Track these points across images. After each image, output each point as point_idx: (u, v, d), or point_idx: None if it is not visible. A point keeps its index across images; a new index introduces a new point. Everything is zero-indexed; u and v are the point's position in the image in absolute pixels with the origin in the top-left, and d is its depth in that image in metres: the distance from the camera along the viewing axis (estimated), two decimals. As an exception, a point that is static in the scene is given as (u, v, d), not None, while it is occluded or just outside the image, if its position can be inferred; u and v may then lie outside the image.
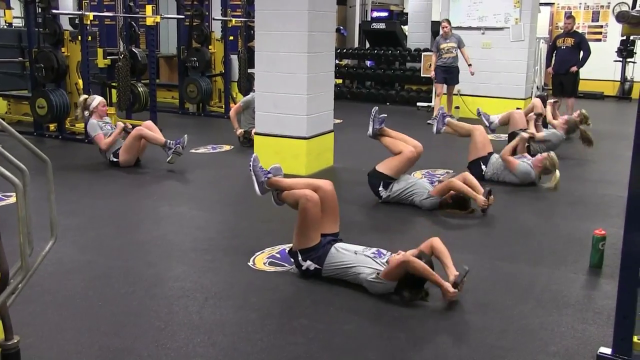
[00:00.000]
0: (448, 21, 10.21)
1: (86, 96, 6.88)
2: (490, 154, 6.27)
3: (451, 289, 3.40)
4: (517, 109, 8.65)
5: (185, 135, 6.48)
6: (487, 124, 7.97)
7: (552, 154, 6.01)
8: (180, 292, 3.53)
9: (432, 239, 3.73)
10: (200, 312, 3.30)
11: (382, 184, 5.37)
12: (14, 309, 2.20)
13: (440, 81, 10.26)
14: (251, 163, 3.92)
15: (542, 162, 5.95)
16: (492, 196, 5.19)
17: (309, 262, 3.68)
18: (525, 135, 6.55)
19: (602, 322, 3.26)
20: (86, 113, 6.68)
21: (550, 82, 11.09)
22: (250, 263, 3.98)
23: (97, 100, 6.72)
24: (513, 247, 4.47)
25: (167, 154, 6.39)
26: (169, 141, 6.39)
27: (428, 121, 9.40)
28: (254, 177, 3.90)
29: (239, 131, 7.73)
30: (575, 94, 10.45)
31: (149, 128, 6.56)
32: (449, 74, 10.18)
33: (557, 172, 5.78)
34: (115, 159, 6.53)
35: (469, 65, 9.95)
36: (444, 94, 10.35)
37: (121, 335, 3.02)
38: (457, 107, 10.71)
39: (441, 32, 10.16)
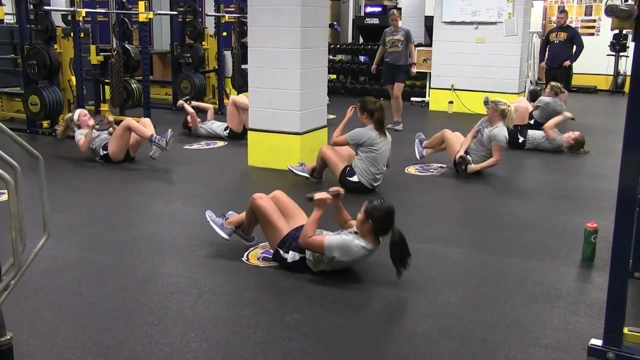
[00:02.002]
0: (397, 11, 9.35)
1: (70, 115, 6.85)
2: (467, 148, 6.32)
3: (321, 196, 3.65)
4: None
5: (170, 130, 6.43)
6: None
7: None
8: (173, 288, 3.53)
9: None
10: (193, 307, 3.30)
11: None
12: (7, 306, 2.20)
13: (387, 81, 9.27)
14: (207, 217, 4.18)
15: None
16: None
17: (292, 253, 3.72)
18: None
19: (593, 314, 3.28)
20: (76, 129, 6.65)
21: (543, 76, 11.12)
22: (244, 258, 3.99)
23: (77, 113, 6.69)
24: (504, 241, 4.49)
25: (151, 147, 6.36)
26: (155, 135, 6.34)
27: (388, 125, 7.89)
28: (214, 227, 4.12)
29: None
30: (569, 88, 10.48)
31: (144, 124, 6.55)
32: (395, 72, 9.03)
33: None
34: (105, 152, 6.51)
35: (413, 64, 9.11)
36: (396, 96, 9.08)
37: (114, 331, 3.03)
38: (451, 102, 10.73)
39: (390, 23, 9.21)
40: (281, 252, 3.77)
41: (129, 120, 6.53)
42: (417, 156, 6.65)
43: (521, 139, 7.49)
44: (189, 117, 8.20)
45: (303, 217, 3.92)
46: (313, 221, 3.64)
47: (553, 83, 8.92)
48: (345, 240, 3.56)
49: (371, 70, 9.74)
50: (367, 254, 3.59)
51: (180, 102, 8.55)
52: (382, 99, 11.97)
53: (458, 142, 6.37)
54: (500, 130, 6.11)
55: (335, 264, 3.63)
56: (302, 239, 3.60)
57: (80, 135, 6.54)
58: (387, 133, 5.59)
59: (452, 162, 6.39)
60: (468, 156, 6.18)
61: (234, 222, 4.11)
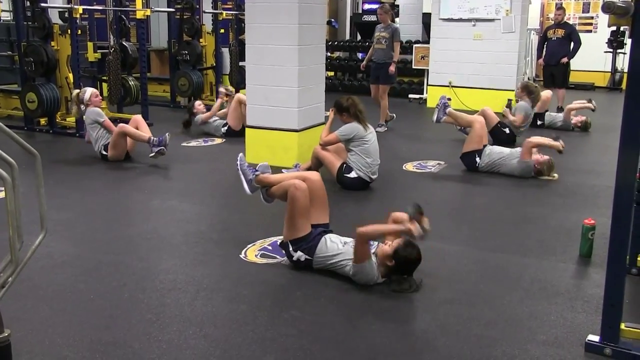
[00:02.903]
0: (386, 8, 8.85)
1: (77, 91, 6.86)
2: (485, 146, 6.29)
3: (409, 224, 3.45)
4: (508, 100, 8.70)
5: (167, 134, 6.42)
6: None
7: (552, 160, 6.09)
8: (171, 285, 3.53)
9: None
10: (191, 304, 3.31)
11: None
12: (4, 303, 2.20)
13: (372, 80, 8.85)
14: (238, 162, 4.01)
15: (541, 165, 6.04)
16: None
17: (299, 253, 3.70)
18: (559, 146, 6.32)
19: (591, 310, 3.29)
20: (82, 107, 6.66)
21: (541, 73, 11.13)
22: (242, 255, 3.99)
23: (89, 92, 6.71)
24: (502, 238, 4.50)
25: (152, 150, 6.37)
26: (152, 138, 6.36)
27: (377, 128, 7.63)
28: (242, 176, 3.98)
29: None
30: (566, 85, 10.51)
31: (136, 122, 6.57)
32: (380, 72, 8.63)
33: (555, 175, 6.06)
34: (104, 152, 6.53)
35: (393, 62, 8.52)
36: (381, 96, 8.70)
37: (112, 328, 3.03)
38: (449, 99, 10.71)
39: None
40: (290, 247, 3.74)
41: (123, 127, 6.52)
42: (434, 118, 6.61)
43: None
44: (198, 110, 8.29)
45: (326, 212, 3.90)
46: (382, 231, 3.60)
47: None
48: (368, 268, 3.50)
49: (360, 67, 9.37)
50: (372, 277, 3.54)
51: (222, 90, 8.53)
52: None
53: (481, 140, 6.29)
54: (531, 164, 6.09)
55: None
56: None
57: (103, 115, 6.59)
58: (369, 125, 5.61)
59: (462, 152, 6.34)
60: None
61: (263, 182, 3.96)
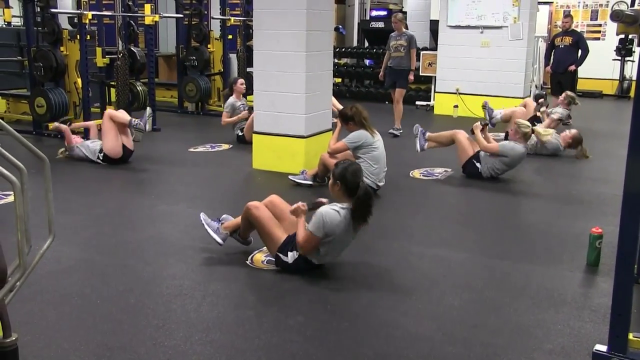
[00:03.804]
0: (400, 16, 9.15)
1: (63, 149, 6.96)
2: (478, 151, 6.31)
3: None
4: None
5: (148, 109, 6.62)
6: (488, 118, 8.05)
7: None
8: (177, 290, 3.54)
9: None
10: (197, 310, 3.31)
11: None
12: (12, 307, 2.21)
13: (388, 85, 9.13)
14: (202, 220, 4.17)
15: (517, 131, 6.17)
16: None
17: (292, 253, 3.75)
18: (478, 124, 6.40)
19: (598, 319, 3.27)
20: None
21: (549, 80, 11.11)
22: (249, 261, 4.00)
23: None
24: (508, 245, 4.49)
25: (132, 132, 6.56)
26: (133, 120, 6.55)
27: (389, 130, 8.63)
28: (208, 229, 4.12)
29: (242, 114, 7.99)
30: (574, 92, 10.46)
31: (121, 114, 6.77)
32: (397, 77, 8.92)
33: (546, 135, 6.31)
34: (101, 153, 6.61)
35: (411, 70, 8.91)
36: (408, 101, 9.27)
37: (118, 333, 3.04)
38: (456, 106, 10.72)
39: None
40: (281, 256, 3.78)
41: (107, 111, 6.73)
42: (418, 148, 6.49)
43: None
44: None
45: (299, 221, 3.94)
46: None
47: (569, 93, 8.83)
48: (318, 214, 3.62)
49: (379, 77, 9.51)
50: (346, 214, 3.63)
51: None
52: (386, 102, 12.04)
53: (470, 147, 6.34)
54: (506, 144, 6.22)
55: (331, 245, 3.67)
56: (297, 240, 3.70)
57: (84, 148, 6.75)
58: (376, 131, 5.62)
59: (461, 165, 6.38)
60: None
61: (229, 227, 4.12)
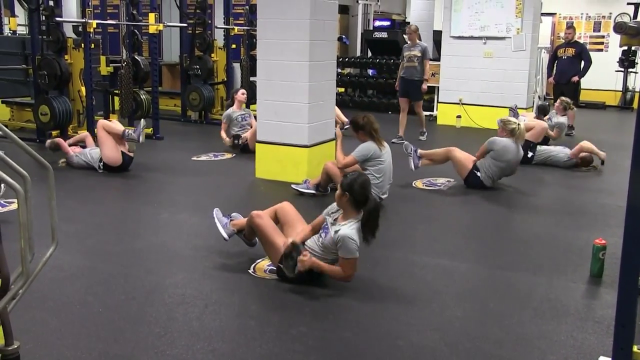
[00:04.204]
0: (414, 27, 9.36)
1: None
2: (475, 162, 6.33)
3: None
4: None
5: (142, 121, 6.61)
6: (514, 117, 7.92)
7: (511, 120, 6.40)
8: (180, 299, 3.53)
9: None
10: (200, 318, 3.30)
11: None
12: (14, 315, 2.21)
13: (402, 94, 9.26)
14: (214, 214, 4.26)
15: (504, 128, 6.27)
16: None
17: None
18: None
19: (602, 331, 3.26)
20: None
21: (551, 91, 11.12)
22: (251, 270, 3.99)
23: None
24: (512, 256, 4.48)
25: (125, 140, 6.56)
26: (126, 131, 6.55)
27: (393, 140, 8.55)
28: (217, 223, 4.20)
29: (227, 140, 7.96)
30: (577, 104, 10.47)
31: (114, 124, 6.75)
32: (408, 87, 9.13)
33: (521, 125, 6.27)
34: (101, 162, 6.62)
35: (425, 80, 9.07)
36: (410, 112, 9.24)
37: (120, 341, 3.03)
38: (459, 116, 10.73)
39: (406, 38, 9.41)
40: (283, 267, 3.76)
41: (100, 122, 6.71)
42: (412, 167, 6.49)
43: (530, 154, 7.47)
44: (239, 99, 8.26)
45: (304, 225, 3.98)
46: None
47: (563, 98, 8.98)
48: (347, 240, 3.56)
49: (395, 88, 9.72)
50: (359, 228, 3.61)
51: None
52: (389, 112, 12.05)
53: (468, 159, 6.35)
54: (488, 141, 6.29)
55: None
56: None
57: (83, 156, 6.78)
58: (385, 143, 5.61)
59: (463, 179, 6.40)
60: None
61: (237, 225, 4.18)
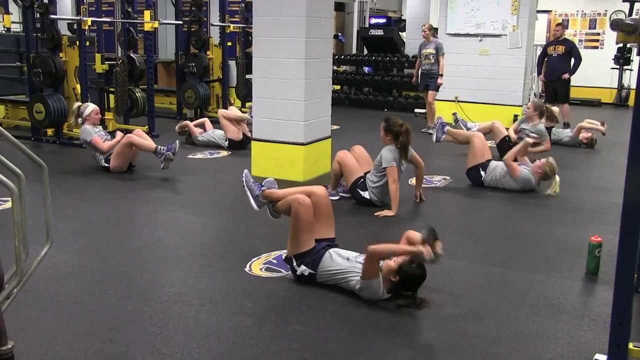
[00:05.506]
0: (429, 26, 10.01)
1: (79, 104, 6.93)
2: (488, 160, 6.30)
3: (421, 247, 3.37)
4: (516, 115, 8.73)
5: (177, 141, 6.48)
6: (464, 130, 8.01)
7: (551, 159, 6.07)
8: (175, 298, 3.52)
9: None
10: (196, 317, 3.29)
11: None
12: (9, 314, 2.20)
13: (422, 88, 10.16)
14: (243, 179, 4.02)
15: (542, 168, 6.04)
16: None
17: (303, 267, 3.69)
18: (529, 140, 6.64)
19: (598, 328, 3.26)
20: (79, 120, 6.71)
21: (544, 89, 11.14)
22: (247, 269, 3.98)
23: (90, 108, 6.74)
24: (508, 254, 4.48)
25: (160, 160, 6.36)
26: (159, 147, 6.35)
27: (422, 130, 9.51)
28: (248, 192, 3.99)
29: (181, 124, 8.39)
30: (568, 100, 10.50)
31: (139, 136, 6.55)
32: (429, 81, 9.95)
33: (557, 178, 5.91)
34: (106, 164, 6.55)
35: (440, 75, 9.74)
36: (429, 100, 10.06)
37: (116, 340, 3.02)
38: (455, 114, 10.71)
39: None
40: (294, 262, 3.73)
41: (130, 137, 6.50)
42: (434, 139, 6.75)
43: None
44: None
45: (332, 226, 3.91)
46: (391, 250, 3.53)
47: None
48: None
49: (412, 81, 10.70)
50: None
51: (181, 124, 8.51)
52: (385, 110, 12.04)
53: (482, 154, 6.31)
54: (526, 174, 6.12)
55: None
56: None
57: (92, 134, 6.59)
58: (407, 161, 5.48)
59: (466, 168, 6.37)
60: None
61: (269, 197, 3.95)
